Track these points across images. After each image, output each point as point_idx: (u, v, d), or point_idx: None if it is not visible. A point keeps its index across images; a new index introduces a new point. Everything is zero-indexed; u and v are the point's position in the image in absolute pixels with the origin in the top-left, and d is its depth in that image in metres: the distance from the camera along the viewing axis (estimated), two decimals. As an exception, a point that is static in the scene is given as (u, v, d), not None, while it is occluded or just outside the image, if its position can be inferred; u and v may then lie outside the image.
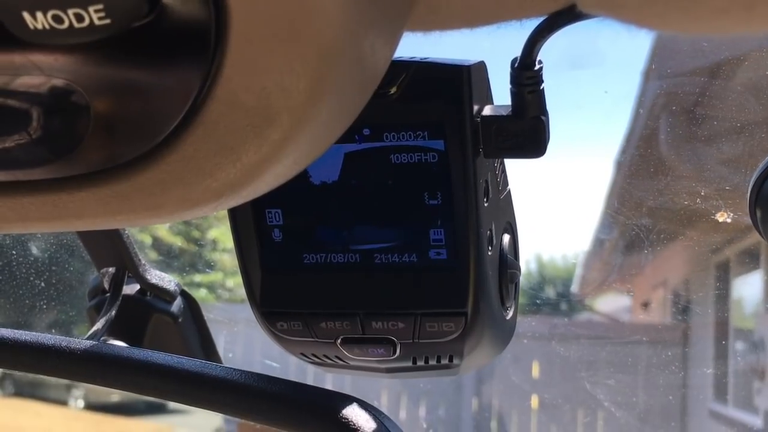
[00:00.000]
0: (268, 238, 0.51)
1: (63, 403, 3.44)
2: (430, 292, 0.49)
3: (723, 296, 2.98)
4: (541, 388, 3.19)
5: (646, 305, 4.29)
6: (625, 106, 2.05)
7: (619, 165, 2.27)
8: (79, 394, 3.55)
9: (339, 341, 0.51)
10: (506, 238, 0.52)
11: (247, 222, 0.51)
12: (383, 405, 3.38)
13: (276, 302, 0.52)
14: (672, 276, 3.54)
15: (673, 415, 2.84)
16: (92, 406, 3.53)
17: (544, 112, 0.47)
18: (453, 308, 0.49)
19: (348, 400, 0.51)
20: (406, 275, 0.49)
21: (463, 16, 0.31)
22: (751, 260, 2.82)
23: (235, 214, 0.51)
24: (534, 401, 3.16)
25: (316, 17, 0.26)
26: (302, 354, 0.54)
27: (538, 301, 4.36)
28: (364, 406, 0.51)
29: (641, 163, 1.90)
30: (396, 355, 0.51)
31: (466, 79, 0.46)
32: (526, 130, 0.46)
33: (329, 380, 2.92)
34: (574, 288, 4.69)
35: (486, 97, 0.48)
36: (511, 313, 0.54)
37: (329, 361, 0.54)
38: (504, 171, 0.52)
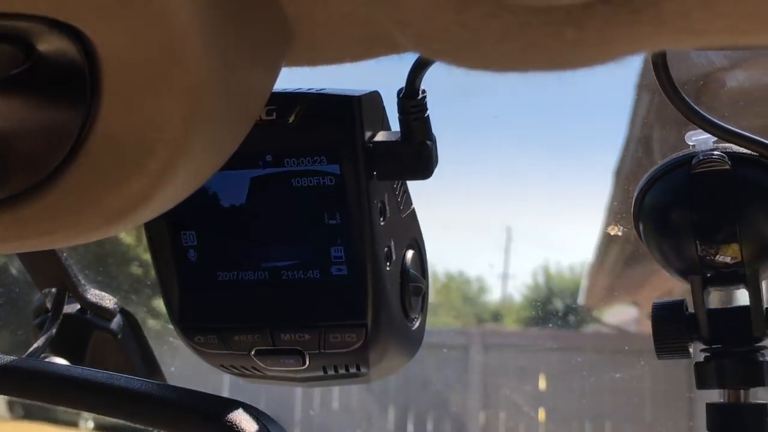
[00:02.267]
0: (183, 258, 0.55)
1: (73, 424, 3.46)
2: (333, 305, 0.52)
3: (728, 304, 2.98)
4: (548, 400, 3.20)
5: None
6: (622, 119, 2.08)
7: (618, 175, 2.28)
8: (89, 415, 3.56)
9: (253, 353, 0.54)
10: (410, 253, 0.57)
11: (163, 243, 0.54)
12: (390, 419, 3.38)
13: (193, 318, 0.55)
14: (678, 285, 3.54)
15: (680, 425, 2.83)
16: (102, 427, 3.54)
17: (430, 137, 0.51)
18: (354, 320, 0.52)
19: (233, 404, 0.55)
20: (311, 290, 0.53)
21: (341, 51, 0.33)
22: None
23: (152, 237, 0.55)
24: (541, 414, 3.17)
25: (181, 58, 0.28)
26: (222, 366, 0.57)
27: (545, 313, 4.38)
28: (248, 409, 0.55)
29: (639, 173, 1.91)
30: (306, 366, 0.54)
31: (356, 108, 0.49)
32: (414, 154, 0.50)
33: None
34: (581, 300, 4.71)
35: (380, 124, 0.52)
36: (417, 324, 0.57)
37: (248, 372, 0.57)
38: (406, 192, 0.56)
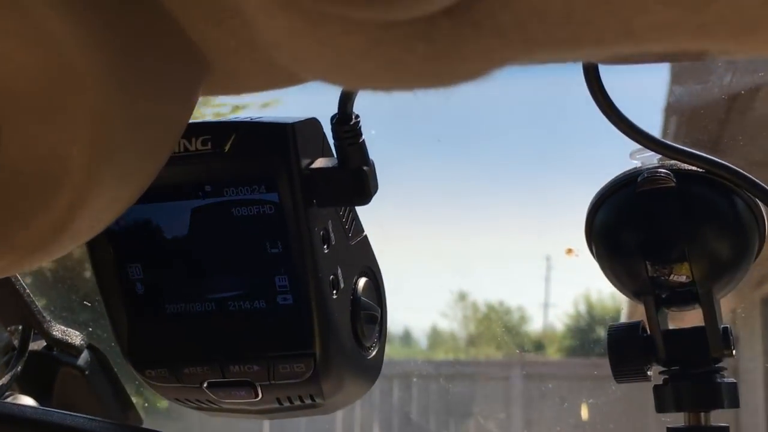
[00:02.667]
0: (131, 291, 0.55)
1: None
2: (280, 335, 0.52)
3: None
4: (591, 430, 3.15)
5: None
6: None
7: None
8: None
9: (205, 386, 0.54)
10: (362, 281, 0.55)
11: (110, 277, 0.55)
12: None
13: (143, 351, 0.55)
14: (723, 307, 3.48)
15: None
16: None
17: (367, 162, 0.51)
18: (301, 350, 0.52)
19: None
20: (257, 320, 0.53)
21: (260, 78, 0.33)
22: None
23: (99, 271, 0.55)
24: (585, 444, 3.12)
25: (75, 86, 0.28)
26: (176, 399, 0.57)
27: (587, 342, 4.31)
28: None
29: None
30: (259, 397, 0.53)
31: (290, 136, 0.49)
32: (351, 180, 0.50)
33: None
34: (623, 327, 4.65)
35: (320, 151, 0.52)
36: (374, 353, 0.56)
37: (204, 405, 0.57)
38: (356, 219, 0.56)
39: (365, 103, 0.49)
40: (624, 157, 0.53)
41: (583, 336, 4.87)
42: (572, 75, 0.49)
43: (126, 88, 0.29)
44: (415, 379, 3.16)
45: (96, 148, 0.29)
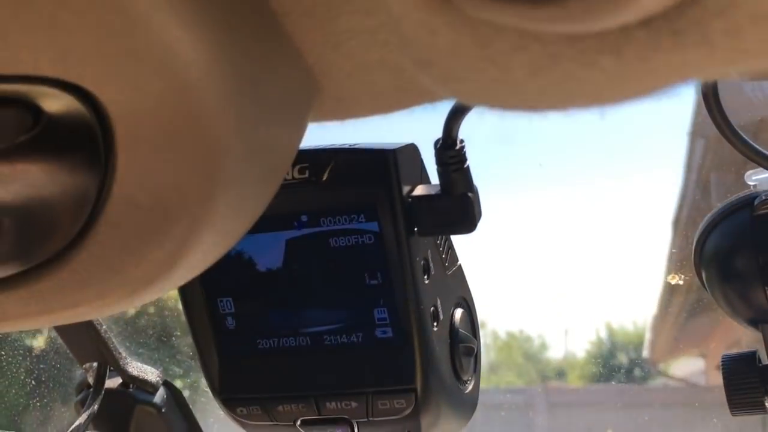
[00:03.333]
0: (222, 326, 0.53)
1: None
2: (379, 370, 0.51)
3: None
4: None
5: (720, 367, 4.18)
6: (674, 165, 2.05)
7: (676, 224, 2.24)
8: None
9: (299, 423, 0.53)
10: (459, 312, 0.54)
11: (200, 311, 0.54)
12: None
13: (234, 388, 0.54)
14: (745, 335, 3.45)
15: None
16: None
17: (471, 189, 0.49)
18: (402, 385, 0.50)
19: None
20: (355, 355, 0.51)
21: (369, 103, 0.32)
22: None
23: (188, 305, 0.54)
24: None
25: (198, 115, 0.27)
26: None
27: (610, 369, 4.29)
28: None
29: (698, 220, 1.88)
30: None
31: (392, 162, 0.48)
32: (455, 207, 0.49)
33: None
34: (646, 353, 4.61)
35: (419, 177, 0.51)
36: (470, 387, 0.55)
37: None
38: (451, 248, 0.54)
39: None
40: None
41: (604, 363, 4.83)
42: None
43: (245, 115, 0.29)
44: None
45: (215, 178, 0.28)
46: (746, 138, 0.46)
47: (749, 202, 0.48)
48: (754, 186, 0.49)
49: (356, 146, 0.49)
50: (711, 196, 1.64)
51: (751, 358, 0.48)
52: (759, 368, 0.47)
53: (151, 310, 1.79)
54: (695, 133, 1.68)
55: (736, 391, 0.48)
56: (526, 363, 5.64)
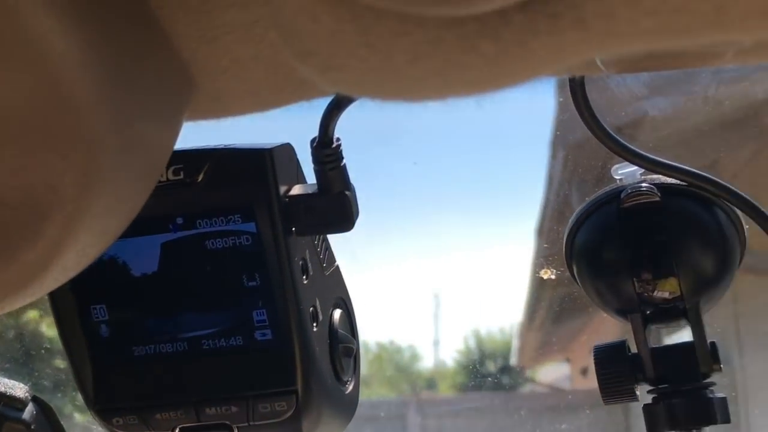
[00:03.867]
0: (95, 334, 0.52)
1: None
2: (259, 373, 0.50)
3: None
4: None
5: (585, 371, 4.31)
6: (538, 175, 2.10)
7: (539, 233, 2.30)
8: None
9: (177, 431, 0.51)
10: (337, 313, 0.54)
11: (72, 319, 0.52)
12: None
13: (109, 398, 0.52)
14: (608, 339, 3.57)
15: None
16: None
17: (348, 187, 0.49)
18: (282, 387, 0.50)
19: None
20: (234, 358, 0.50)
21: (246, 100, 0.31)
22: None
23: (59, 312, 0.52)
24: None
25: (71, 108, 0.26)
26: None
27: (479, 377, 4.37)
28: None
29: (560, 227, 1.93)
30: None
31: (268, 162, 0.48)
32: (332, 206, 0.49)
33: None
34: (514, 360, 4.71)
35: (295, 177, 0.51)
36: (351, 388, 0.54)
37: None
38: (329, 248, 0.54)
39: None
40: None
41: (474, 371, 4.91)
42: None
43: (120, 110, 0.28)
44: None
45: (89, 175, 0.27)
46: (612, 133, 0.48)
47: (616, 195, 0.49)
48: (621, 180, 0.50)
49: (232, 146, 0.49)
50: (572, 205, 1.69)
51: (621, 347, 0.49)
52: (629, 357, 0.49)
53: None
54: (556, 143, 1.73)
55: (608, 380, 0.49)
56: (398, 375, 5.70)
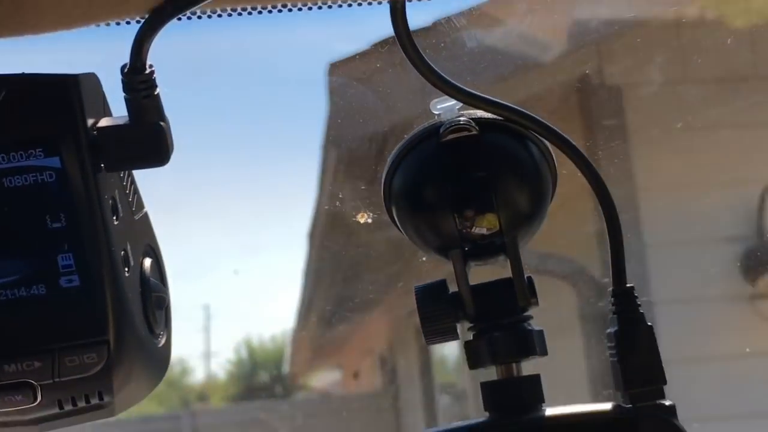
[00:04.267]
0: None
1: None
2: (66, 323, 0.46)
3: (425, 356, 3.11)
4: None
5: (356, 375, 4.39)
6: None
7: (312, 237, 2.32)
8: None
9: None
10: (148, 261, 0.51)
11: None
12: None
13: None
14: (377, 343, 3.65)
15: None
16: None
17: (163, 118, 0.47)
18: (93, 337, 0.46)
19: None
20: (37, 309, 0.46)
21: (53, 16, 0.30)
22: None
23: None
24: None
25: None
26: None
27: (252, 387, 4.35)
28: None
29: (333, 233, 1.96)
30: (38, 401, 0.46)
31: (75, 91, 0.44)
32: (146, 138, 0.46)
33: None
34: (286, 368, 4.73)
35: (102, 110, 0.47)
36: (163, 341, 0.51)
37: None
38: (137, 192, 0.51)
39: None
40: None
41: (247, 381, 4.88)
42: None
43: None
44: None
45: None
46: (432, 64, 0.48)
47: (435, 130, 0.49)
48: (439, 115, 0.50)
49: (31, 74, 0.45)
50: (344, 209, 1.72)
51: (441, 286, 0.49)
52: (449, 296, 0.49)
53: None
54: (328, 144, 1.76)
55: (429, 320, 0.49)
56: (168, 390, 5.56)
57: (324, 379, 4.47)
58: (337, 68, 1.47)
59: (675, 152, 1.82)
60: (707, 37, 1.74)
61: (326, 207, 2.05)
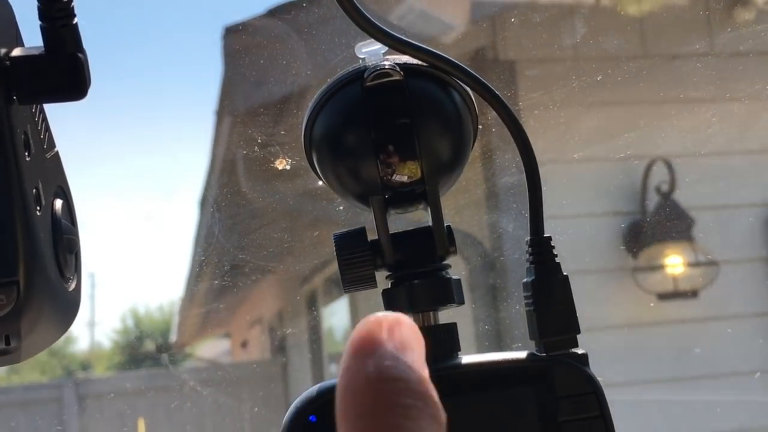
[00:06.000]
0: None
1: None
2: None
3: (315, 325, 3.12)
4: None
5: (245, 344, 4.37)
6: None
7: (203, 204, 2.29)
8: None
9: None
10: (59, 202, 0.49)
11: None
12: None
13: None
14: (268, 312, 3.64)
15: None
16: None
17: (81, 49, 0.45)
18: (1, 277, 0.44)
19: None
20: None
21: None
22: (336, 288, 2.98)
23: None
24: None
25: None
26: None
27: (138, 356, 4.29)
28: None
29: (227, 201, 1.94)
30: None
31: None
32: (63, 69, 0.44)
33: None
34: (174, 338, 4.67)
35: (14, 40, 0.45)
36: (73, 285, 0.49)
37: None
38: (48, 129, 0.49)
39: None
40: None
41: (132, 350, 4.82)
42: None
43: None
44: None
45: None
46: (359, 6, 0.47)
47: (359, 74, 0.48)
48: (363, 59, 0.49)
49: None
50: (238, 175, 1.71)
51: (361, 233, 0.48)
52: (369, 243, 0.49)
53: None
54: (222, 112, 1.74)
55: (348, 267, 0.48)
56: (50, 359, 5.44)
57: (212, 348, 4.44)
58: (232, 33, 1.45)
59: (562, 126, 1.86)
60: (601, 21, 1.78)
61: (218, 174, 2.03)
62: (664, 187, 2.17)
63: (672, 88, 1.86)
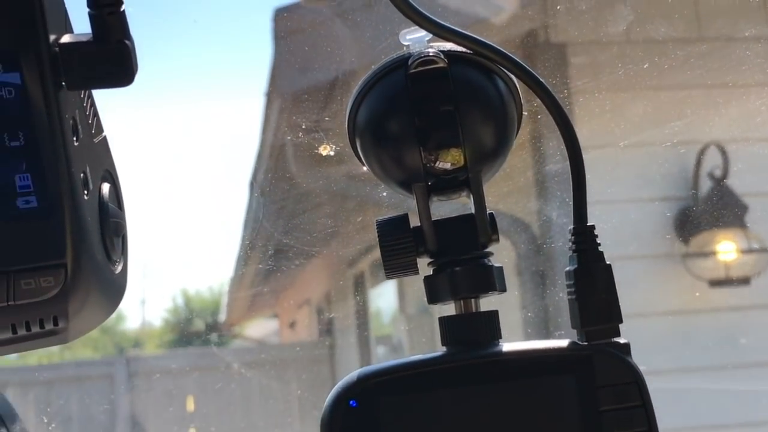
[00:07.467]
0: None
1: None
2: (23, 245, 0.44)
3: (362, 307, 3.13)
4: (197, 420, 3.16)
5: (293, 325, 4.40)
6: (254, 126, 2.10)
7: (253, 186, 2.30)
8: None
9: None
10: (106, 186, 0.49)
11: None
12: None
13: None
14: (315, 294, 3.66)
15: None
16: None
17: (128, 36, 0.45)
18: (50, 260, 0.44)
19: None
20: None
21: None
22: (382, 272, 2.98)
23: None
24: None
25: None
26: None
27: (187, 335, 4.33)
28: None
29: (276, 183, 1.95)
30: None
31: (37, 4, 0.43)
32: (111, 56, 0.44)
33: None
34: (222, 317, 4.72)
35: (64, 26, 0.46)
36: (120, 268, 0.50)
37: None
38: (96, 114, 0.49)
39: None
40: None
41: (182, 329, 4.87)
42: None
43: None
44: (10, 389, 2.96)
45: None
46: None
47: (403, 62, 0.48)
48: (408, 47, 0.49)
49: None
50: (287, 157, 1.71)
51: (403, 220, 0.48)
52: (411, 229, 0.48)
53: None
54: (272, 93, 1.74)
55: (391, 254, 0.48)
56: (102, 336, 5.52)
57: (260, 329, 4.47)
58: (283, 15, 1.45)
59: (614, 110, 1.84)
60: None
61: (268, 156, 2.04)
62: (717, 173, 2.14)
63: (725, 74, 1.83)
